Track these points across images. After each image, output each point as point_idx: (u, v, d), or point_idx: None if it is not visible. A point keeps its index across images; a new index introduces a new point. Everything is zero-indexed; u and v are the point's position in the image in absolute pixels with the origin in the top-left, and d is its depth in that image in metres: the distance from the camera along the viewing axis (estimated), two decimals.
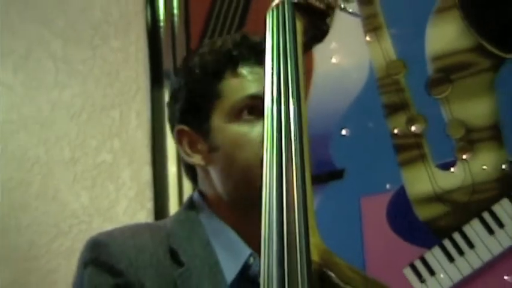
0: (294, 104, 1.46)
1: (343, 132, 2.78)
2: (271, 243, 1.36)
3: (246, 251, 1.66)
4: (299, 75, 1.50)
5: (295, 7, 1.59)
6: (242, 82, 1.69)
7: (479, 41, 2.69)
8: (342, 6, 1.66)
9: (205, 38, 3.09)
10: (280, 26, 1.57)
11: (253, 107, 1.66)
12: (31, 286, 3.30)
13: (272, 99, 1.49)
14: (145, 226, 1.79)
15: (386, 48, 2.81)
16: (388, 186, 2.72)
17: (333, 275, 1.33)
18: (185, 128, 1.73)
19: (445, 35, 2.75)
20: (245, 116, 1.67)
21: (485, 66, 2.68)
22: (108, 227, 3.10)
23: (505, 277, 2.51)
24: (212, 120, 1.69)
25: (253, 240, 1.61)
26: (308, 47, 1.63)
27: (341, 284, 1.32)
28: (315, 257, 1.34)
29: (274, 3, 1.61)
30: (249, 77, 1.69)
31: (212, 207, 1.72)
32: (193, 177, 1.78)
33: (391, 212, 2.68)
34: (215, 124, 1.69)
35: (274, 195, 1.40)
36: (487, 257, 2.51)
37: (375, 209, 2.71)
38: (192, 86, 1.74)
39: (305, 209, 1.36)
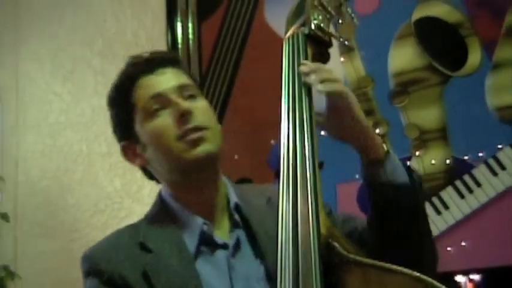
0: (308, 140, 1.48)
1: (322, 133, 2.76)
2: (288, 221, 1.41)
3: (199, 221, 1.62)
4: (311, 101, 1.52)
5: (307, 37, 1.61)
6: (144, 90, 1.65)
7: (431, 61, 2.68)
8: (341, 39, 1.67)
9: (214, 57, 3.09)
10: (295, 52, 1.59)
11: (155, 104, 1.63)
12: (74, 253, 3.27)
13: (288, 131, 1.50)
14: (127, 228, 1.73)
15: (357, 67, 2.79)
16: (357, 176, 2.70)
17: (337, 245, 1.35)
18: (124, 143, 1.71)
19: (403, 56, 2.74)
20: (153, 112, 1.63)
21: (435, 81, 2.67)
22: (135, 207, 3.16)
23: (448, 248, 2.51)
24: (136, 128, 1.66)
25: (202, 208, 1.64)
26: None
27: (344, 252, 1.33)
28: (323, 230, 1.36)
29: (289, 33, 1.62)
30: (148, 84, 1.65)
31: (172, 193, 1.68)
32: (153, 177, 1.75)
33: (360, 196, 2.67)
34: (138, 129, 1.66)
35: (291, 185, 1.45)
36: (435, 232, 2.49)
37: (347, 194, 2.69)
38: (114, 110, 1.73)
39: (315, 191, 1.42)
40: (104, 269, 1.61)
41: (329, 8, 1.66)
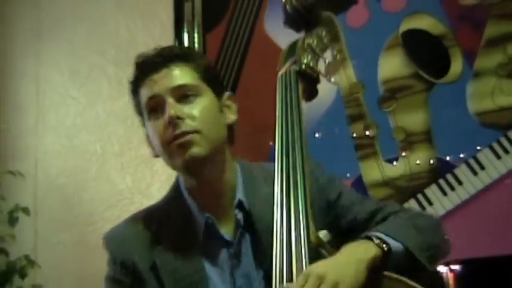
0: (300, 159, 1.52)
1: (316, 135, 2.76)
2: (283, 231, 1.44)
3: (204, 216, 1.58)
4: (302, 126, 1.56)
5: (298, 74, 1.66)
6: (145, 89, 1.59)
7: (417, 70, 2.68)
8: (327, 77, 1.73)
9: (218, 65, 3.05)
10: (288, 87, 1.63)
11: (153, 105, 1.58)
12: (89, 244, 3.28)
13: (281, 151, 1.55)
14: (143, 215, 1.69)
15: (349, 75, 2.78)
16: (348, 175, 2.71)
17: (325, 252, 1.42)
18: (146, 133, 1.67)
19: (392, 65, 2.73)
20: (151, 112, 1.59)
21: (421, 88, 2.67)
22: (145, 202, 3.15)
23: None
24: (145, 123, 1.63)
25: (208, 204, 1.60)
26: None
27: (328, 255, 1.39)
28: (313, 239, 1.42)
29: (282, 71, 1.67)
30: (150, 84, 1.59)
31: (184, 184, 1.65)
32: None
33: None
34: (146, 125, 1.63)
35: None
36: None
37: None
38: (133, 102, 1.67)
39: (307, 212, 1.45)
40: (119, 254, 1.62)
41: (317, 50, 1.71)
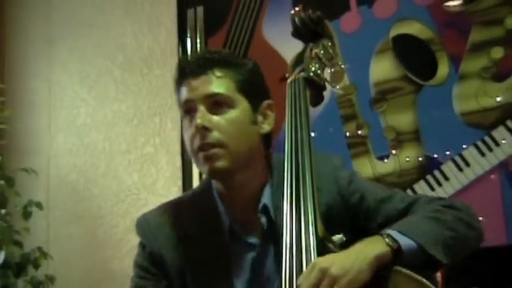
0: (307, 157, 1.51)
1: (312, 134, 2.74)
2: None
3: (228, 218, 1.56)
4: (309, 129, 1.57)
5: (306, 81, 1.65)
6: (183, 93, 1.55)
7: (406, 73, 2.68)
8: (333, 85, 1.72)
9: None
10: (297, 93, 1.62)
11: (187, 108, 1.54)
12: (98, 236, 3.30)
13: (290, 152, 1.54)
14: (173, 207, 1.65)
15: (344, 77, 2.78)
16: None
17: (330, 245, 1.41)
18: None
19: (382, 68, 2.73)
20: (186, 114, 1.55)
21: (410, 90, 2.67)
22: (151, 197, 3.16)
23: None
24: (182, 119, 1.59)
25: (234, 207, 1.58)
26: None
27: (335, 250, 1.39)
28: (320, 233, 1.42)
29: (291, 78, 1.67)
30: (187, 88, 1.53)
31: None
32: None
33: None
34: (182, 121, 1.58)
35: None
36: None
37: None
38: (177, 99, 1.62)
39: (314, 208, 1.45)
40: (148, 243, 1.60)
41: (323, 59, 1.70)
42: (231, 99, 1.53)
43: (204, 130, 1.49)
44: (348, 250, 1.36)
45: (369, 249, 1.34)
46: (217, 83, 1.53)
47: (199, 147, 1.50)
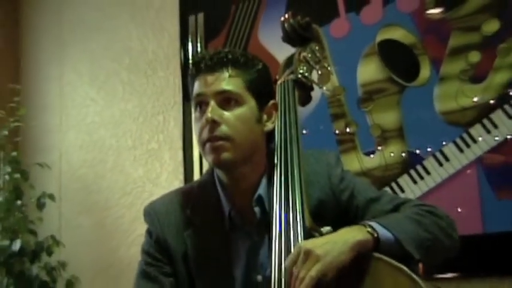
0: (296, 151, 1.52)
1: (304, 131, 2.68)
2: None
3: (229, 206, 1.56)
4: (297, 126, 1.57)
5: (295, 83, 1.66)
6: (196, 86, 1.55)
7: (391, 74, 2.66)
8: (320, 86, 1.73)
9: None
10: (287, 93, 1.63)
11: (199, 101, 1.54)
12: (106, 226, 3.30)
13: (280, 147, 1.55)
14: (180, 195, 1.64)
15: (332, 79, 2.76)
16: None
17: (317, 234, 1.41)
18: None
19: (369, 70, 2.72)
20: (197, 107, 1.55)
21: (394, 90, 2.65)
22: (155, 190, 3.17)
23: None
24: (193, 110, 1.60)
25: (234, 196, 1.58)
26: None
27: (321, 238, 1.38)
28: (307, 223, 1.43)
29: (281, 80, 1.67)
30: (200, 83, 1.54)
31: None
32: None
33: None
34: (193, 112, 1.59)
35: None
36: None
37: None
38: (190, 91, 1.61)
39: (302, 199, 1.46)
40: (154, 230, 1.60)
41: (311, 62, 1.70)
42: (240, 97, 1.53)
43: (213, 123, 1.49)
44: (332, 235, 1.37)
45: (351, 235, 1.35)
46: (229, 81, 1.52)
47: (207, 139, 1.51)
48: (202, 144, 1.53)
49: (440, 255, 1.47)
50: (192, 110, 1.59)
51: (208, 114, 1.49)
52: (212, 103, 1.51)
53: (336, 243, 1.32)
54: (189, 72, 1.59)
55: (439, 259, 1.47)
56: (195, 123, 1.56)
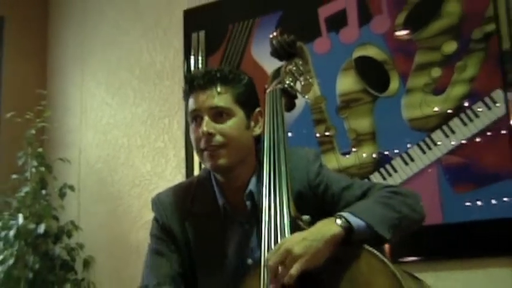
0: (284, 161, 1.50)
1: (289, 134, 2.70)
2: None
3: (222, 200, 1.57)
4: (284, 129, 1.56)
5: (282, 91, 1.65)
6: (191, 102, 1.55)
7: (365, 86, 2.66)
8: (303, 95, 1.73)
9: None
10: (274, 101, 1.62)
11: (194, 116, 1.54)
12: (118, 214, 3.29)
13: (269, 148, 1.52)
14: (183, 187, 1.64)
15: (315, 89, 2.76)
16: None
17: (301, 223, 1.40)
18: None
19: (346, 82, 2.72)
20: (193, 120, 1.54)
21: (368, 100, 2.65)
22: (160, 182, 3.16)
23: None
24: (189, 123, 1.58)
25: (228, 191, 1.57)
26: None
27: (305, 227, 1.37)
28: (292, 213, 1.41)
29: (270, 89, 1.66)
30: (194, 99, 1.54)
31: None
32: None
33: None
34: (190, 125, 1.58)
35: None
36: None
37: None
38: (185, 106, 1.61)
39: (288, 193, 1.44)
40: (160, 218, 1.60)
41: (295, 74, 1.70)
42: (230, 110, 1.53)
43: (208, 135, 1.50)
44: (310, 230, 1.34)
45: (326, 230, 1.32)
46: (219, 98, 1.52)
47: (204, 148, 1.52)
48: (200, 152, 1.53)
49: (408, 229, 1.45)
50: (189, 121, 1.58)
51: (204, 128, 1.50)
52: (206, 118, 1.51)
53: (313, 240, 1.30)
54: (183, 89, 1.59)
55: (408, 232, 1.46)
56: (192, 134, 1.55)
